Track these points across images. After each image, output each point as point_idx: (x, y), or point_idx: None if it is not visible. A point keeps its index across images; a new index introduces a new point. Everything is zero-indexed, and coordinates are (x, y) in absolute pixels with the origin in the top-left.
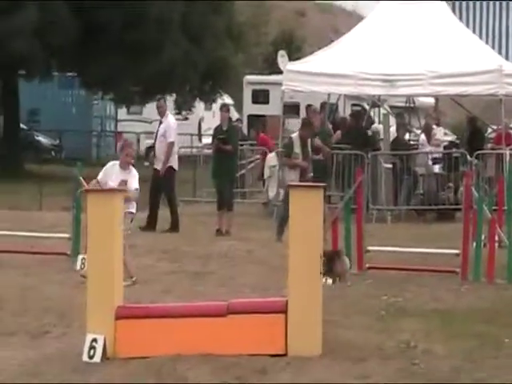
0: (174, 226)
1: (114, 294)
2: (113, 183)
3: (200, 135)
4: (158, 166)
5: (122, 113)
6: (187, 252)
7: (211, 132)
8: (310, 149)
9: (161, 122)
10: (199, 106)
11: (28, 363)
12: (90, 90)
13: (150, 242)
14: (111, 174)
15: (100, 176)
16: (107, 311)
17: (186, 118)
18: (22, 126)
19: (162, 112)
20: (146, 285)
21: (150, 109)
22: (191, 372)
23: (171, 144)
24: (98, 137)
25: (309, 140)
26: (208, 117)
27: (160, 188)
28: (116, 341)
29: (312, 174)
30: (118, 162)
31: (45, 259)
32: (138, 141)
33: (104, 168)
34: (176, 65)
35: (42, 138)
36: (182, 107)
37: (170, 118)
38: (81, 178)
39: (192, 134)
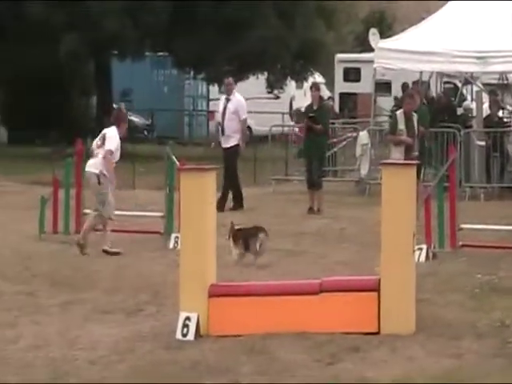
0: (238, 203)
1: (207, 272)
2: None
3: (291, 114)
4: (227, 143)
5: (214, 92)
6: (279, 230)
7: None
8: (415, 124)
9: (227, 100)
10: (290, 84)
11: (122, 340)
12: (181, 69)
13: (243, 221)
14: None
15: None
16: (200, 289)
17: (278, 97)
18: (114, 105)
19: (230, 89)
20: (239, 263)
21: (241, 87)
22: (283, 350)
23: (245, 121)
24: (190, 116)
25: (414, 116)
26: (299, 95)
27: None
28: (209, 319)
29: (417, 153)
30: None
31: (138, 238)
32: None
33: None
34: (268, 43)
35: (134, 118)
36: (274, 86)
37: (239, 96)
38: (173, 157)
39: (283, 113)
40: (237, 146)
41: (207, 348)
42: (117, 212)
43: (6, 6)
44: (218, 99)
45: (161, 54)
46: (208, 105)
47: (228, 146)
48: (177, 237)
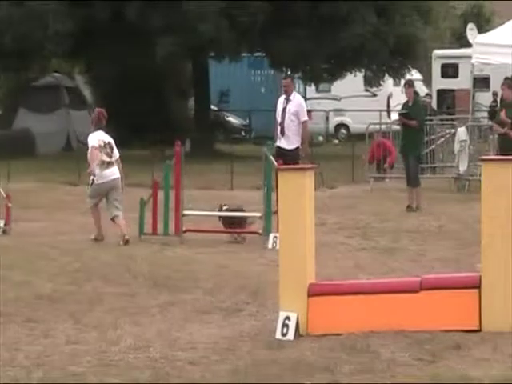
0: None
1: (306, 271)
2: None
3: (389, 111)
4: (287, 145)
5: (311, 91)
6: (378, 228)
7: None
8: None
9: (287, 100)
10: (388, 81)
11: (222, 340)
12: (278, 69)
13: (341, 218)
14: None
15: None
16: (300, 289)
17: (375, 95)
18: (212, 106)
19: (289, 90)
20: (337, 261)
21: (338, 86)
22: (384, 348)
23: (306, 123)
24: None
25: None
26: (397, 93)
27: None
28: (309, 318)
29: None
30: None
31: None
32: (327, 118)
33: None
34: (365, 40)
35: (231, 119)
36: (372, 83)
37: (298, 97)
38: (271, 157)
39: (381, 110)
40: (297, 148)
41: (307, 347)
42: (216, 213)
43: (104, 8)
44: (315, 98)
45: (257, 54)
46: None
47: (288, 148)
48: (275, 236)
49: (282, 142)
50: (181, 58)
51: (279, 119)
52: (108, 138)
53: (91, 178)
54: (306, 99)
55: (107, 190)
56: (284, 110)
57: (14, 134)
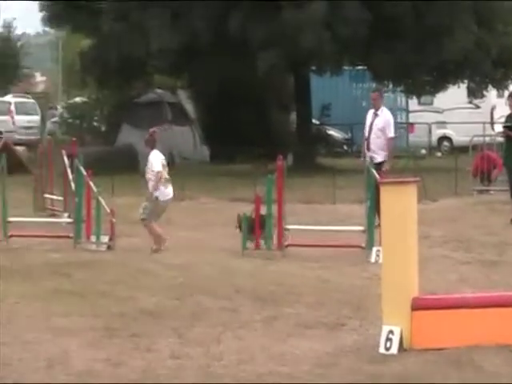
0: None
1: (410, 285)
2: None
3: (492, 123)
4: (372, 160)
5: (413, 103)
6: (482, 241)
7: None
8: None
9: (375, 115)
10: (491, 93)
11: (324, 355)
12: (380, 82)
13: (445, 231)
14: None
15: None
16: (403, 302)
17: (478, 107)
18: (313, 120)
19: (377, 104)
20: (441, 275)
21: (440, 98)
22: (489, 362)
23: (392, 140)
24: None
25: None
26: (500, 104)
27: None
28: (412, 332)
29: None
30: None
31: (339, 252)
32: (430, 131)
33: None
34: (468, 51)
35: (333, 132)
36: (475, 95)
37: (387, 112)
38: (373, 171)
39: (484, 123)
40: (381, 164)
41: (411, 361)
42: (317, 227)
43: (206, 22)
44: (417, 111)
45: (359, 67)
46: (407, 117)
47: (375, 161)
48: (378, 250)
49: (367, 158)
50: (282, 71)
51: (366, 134)
52: (163, 156)
53: (154, 196)
54: (407, 112)
55: (167, 206)
56: (371, 124)
57: (118, 149)
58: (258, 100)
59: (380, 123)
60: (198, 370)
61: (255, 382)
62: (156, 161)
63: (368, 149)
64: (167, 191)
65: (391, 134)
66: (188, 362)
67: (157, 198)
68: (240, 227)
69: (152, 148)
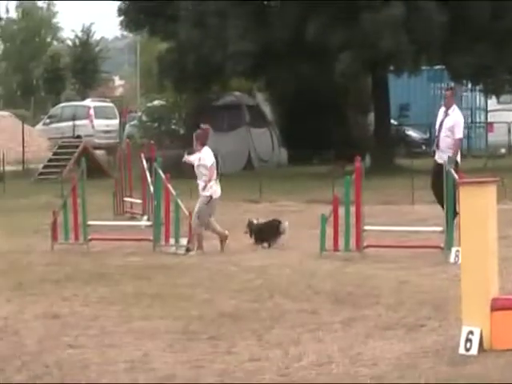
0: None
1: (489, 285)
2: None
3: None
4: (440, 159)
5: (492, 103)
6: None
7: None
8: None
9: (446, 114)
10: None
11: (404, 356)
12: (458, 81)
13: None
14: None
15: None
16: (483, 303)
17: None
18: (392, 121)
19: (449, 103)
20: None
21: None
22: None
23: (459, 141)
24: (468, 128)
25: None
26: None
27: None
28: (492, 333)
29: None
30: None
31: (418, 253)
32: (509, 130)
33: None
34: None
35: (412, 133)
36: None
37: (457, 112)
38: (452, 171)
39: None
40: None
41: (491, 363)
42: (396, 228)
43: (285, 25)
44: (496, 110)
45: (437, 67)
46: (486, 116)
47: (439, 162)
48: (457, 250)
49: (436, 156)
50: (360, 73)
51: (436, 132)
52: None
53: (209, 195)
54: (486, 111)
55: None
56: (441, 123)
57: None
58: (335, 101)
59: (450, 122)
60: (277, 372)
61: (333, 383)
62: (208, 156)
63: (437, 147)
64: (219, 189)
65: (459, 134)
66: (267, 363)
67: (211, 197)
68: (250, 233)
69: (203, 144)
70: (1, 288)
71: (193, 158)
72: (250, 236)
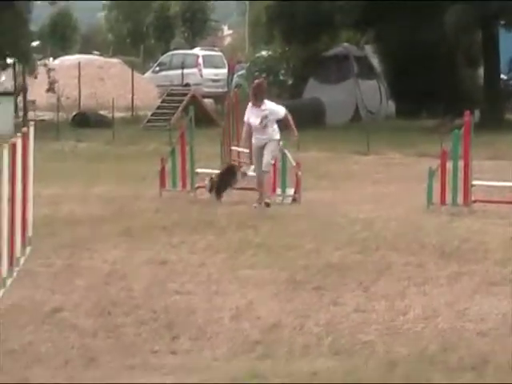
0: None
1: None
2: (254, 120)
3: None
4: None
5: None
6: None
7: None
8: None
9: None
10: None
11: (511, 312)
12: None
13: None
14: (249, 114)
15: (245, 119)
16: None
17: None
18: (502, 76)
19: None
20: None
21: None
22: None
23: None
24: None
25: None
26: None
27: None
28: None
29: None
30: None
31: None
32: None
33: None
34: None
35: None
36: None
37: None
38: None
39: None
40: None
41: None
42: (504, 183)
43: None
44: None
45: None
46: None
47: None
48: None
49: None
50: (471, 26)
51: None
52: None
53: (279, 138)
54: None
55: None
56: None
57: (305, 103)
58: (445, 55)
59: None
60: (382, 324)
61: (439, 337)
62: (276, 107)
63: None
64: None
65: None
66: (372, 315)
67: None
68: (210, 190)
69: (263, 99)
70: (109, 233)
71: (253, 121)
72: (210, 192)
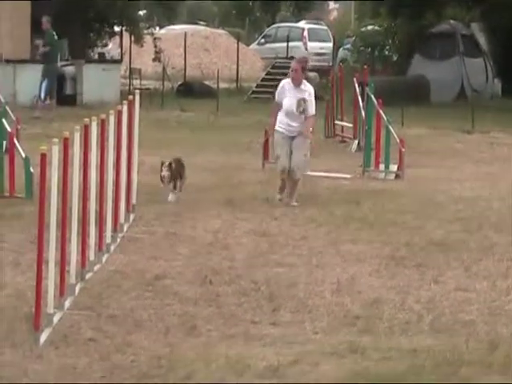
0: None
1: None
2: (289, 101)
3: None
4: None
5: None
6: None
7: None
8: None
9: None
10: None
11: None
12: None
13: None
14: (284, 92)
15: (276, 97)
16: None
17: None
18: None
19: None
20: None
21: None
22: None
23: None
24: None
25: None
26: None
27: None
28: None
29: None
30: (289, 80)
31: None
32: None
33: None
34: None
35: None
36: None
37: None
38: None
39: None
40: None
41: None
42: None
43: None
44: None
45: None
46: None
47: None
48: None
49: None
50: None
51: None
52: None
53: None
54: None
55: None
56: None
57: (409, 80)
58: None
59: None
60: (484, 304)
61: None
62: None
63: None
64: None
65: None
66: (474, 295)
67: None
68: (171, 178)
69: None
70: (212, 203)
71: (287, 102)
72: (169, 182)
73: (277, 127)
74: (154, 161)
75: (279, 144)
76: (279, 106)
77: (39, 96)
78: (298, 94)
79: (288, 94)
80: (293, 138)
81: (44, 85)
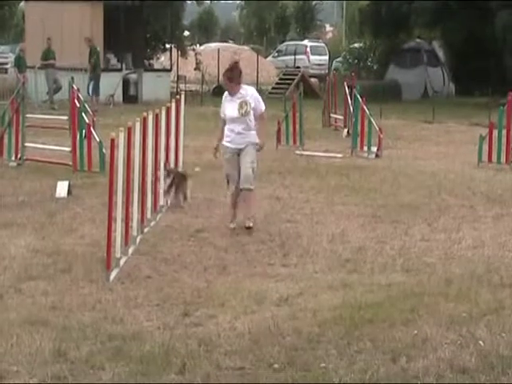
0: None
1: None
2: (230, 108)
3: None
4: None
5: None
6: None
7: None
8: None
9: None
10: None
11: None
12: None
13: None
14: (224, 104)
15: (220, 114)
16: None
17: None
18: None
19: None
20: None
21: None
22: None
23: None
24: None
25: None
26: None
27: None
28: None
29: None
30: (226, 93)
31: None
32: None
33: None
34: None
35: None
36: None
37: None
38: None
39: None
40: None
41: None
42: None
43: None
44: None
45: None
46: None
47: None
48: None
49: None
50: None
51: None
52: None
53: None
54: None
55: None
56: None
57: (386, 83)
58: (495, 49)
59: None
60: (442, 250)
61: (484, 262)
62: (257, 94)
63: None
64: None
65: None
66: (434, 243)
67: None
68: (171, 184)
69: (240, 83)
70: None
71: (229, 112)
72: (170, 187)
73: (224, 142)
74: (197, 144)
75: (227, 160)
76: (225, 121)
77: (90, 94)
78: (238, 99)
79: (228, 104)
80: (240, 150)
81: (91, 86)
